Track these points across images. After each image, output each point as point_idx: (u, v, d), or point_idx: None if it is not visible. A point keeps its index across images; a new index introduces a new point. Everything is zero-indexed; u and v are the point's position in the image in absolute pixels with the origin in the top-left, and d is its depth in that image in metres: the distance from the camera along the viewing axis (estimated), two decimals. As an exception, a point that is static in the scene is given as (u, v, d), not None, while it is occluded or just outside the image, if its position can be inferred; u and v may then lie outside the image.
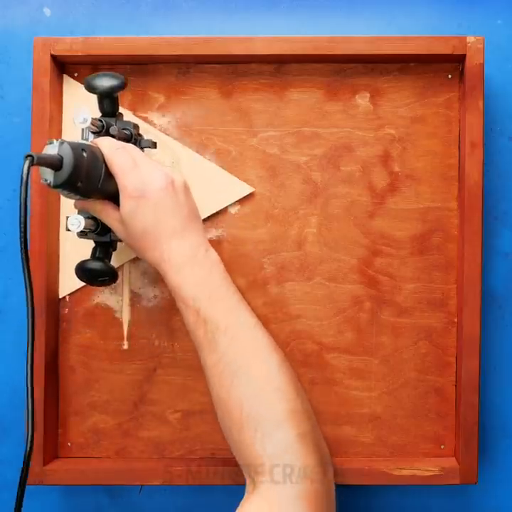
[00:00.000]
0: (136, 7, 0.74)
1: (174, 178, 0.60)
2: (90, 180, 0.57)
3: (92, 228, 0.63)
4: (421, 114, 0.71)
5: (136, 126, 0.66)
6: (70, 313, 0.72)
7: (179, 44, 0.69)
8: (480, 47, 0.68)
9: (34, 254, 0.68)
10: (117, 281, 0.72)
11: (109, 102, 0.64)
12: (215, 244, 0.72)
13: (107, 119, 0.64)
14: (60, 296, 0.71)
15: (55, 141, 0.55)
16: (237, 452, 0.58)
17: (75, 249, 0.70)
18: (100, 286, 0.66)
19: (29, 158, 0.52)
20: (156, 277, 0.72)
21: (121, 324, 0.72)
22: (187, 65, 0.71)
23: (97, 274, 0.63)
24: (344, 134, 0.71)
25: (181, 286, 0.59)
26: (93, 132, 0.62)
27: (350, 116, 0.71)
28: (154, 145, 0.67)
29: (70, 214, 0.62)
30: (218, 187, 0.71)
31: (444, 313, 0.71)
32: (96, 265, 0.63)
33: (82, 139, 0.63)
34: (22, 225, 0.55)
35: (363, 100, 0.71)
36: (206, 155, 0.72)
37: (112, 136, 0.63)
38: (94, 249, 0.65)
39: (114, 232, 0.63)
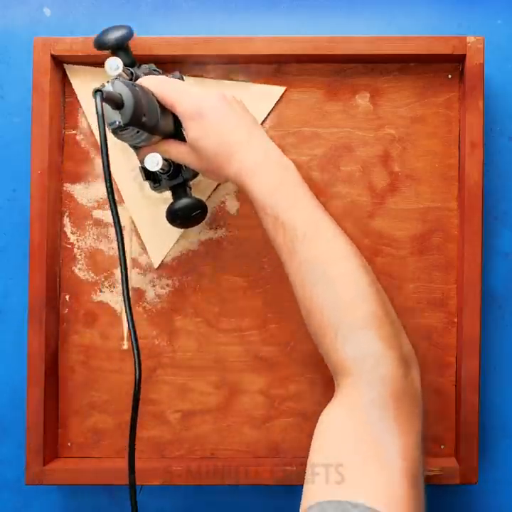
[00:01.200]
0: (136, 7, 0.74)
1: (224, 93, 0.61)
2: (152, 113, 0.58)
3: (165, 169, 0.63)
4: (421, 114, 0.71)
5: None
6: (70, 313, 0.72)
7: (179, 44, 0.69)
8: (480, 47, 0.68)
9: (34, 254, 0.69)
10: (117, 282, 0.72)
11: (123, 54, 0.63)
12: (215, 244, 0.72)
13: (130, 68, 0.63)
14: (155, 267, 0.72)
15: (105, 83, 0.55)
16: (323, 354, 0.57)
17: (150, 217, 0.71)
18: (194, 225, 0.66)
19: (99, 92, 0.53)
20: (156, 277, 0.72)
21: (121, 324, 0.72)
22: (187, 65, 0.71)
23: (188, 210, 0.63)
24: (344, 134, 0.71)
25: (259, 193, 0.58)
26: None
27: (350, 116, 0.71)
28: (182, 78, 0.66)
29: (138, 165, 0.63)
30: (255, 99, 0.70)
31: (444, 313, 0.71)
32: (183, 202, 0.63)
33: None
34: (105, 162, 0.55)
35: (363, 100, 0.71)
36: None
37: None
38: (173, 194, 0.65)
39: (185, 169, 0.63)
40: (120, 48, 0.63)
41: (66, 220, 0.72)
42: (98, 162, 0.72)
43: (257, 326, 0.72)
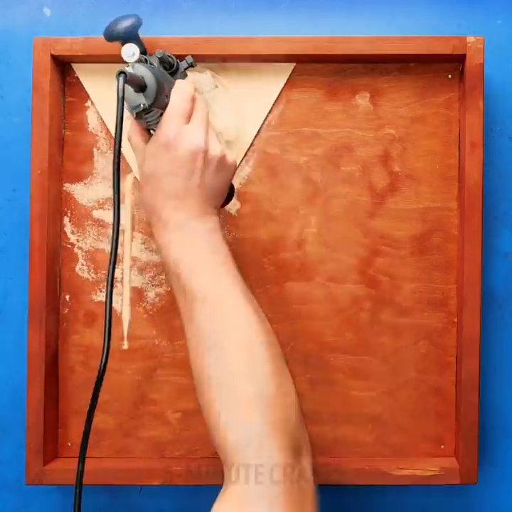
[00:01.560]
0: (136, 7, 0.74)
1: (211, 152, 0.58)
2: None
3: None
4: (421, 114, 0.71)
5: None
6: (70, 313, 0.72)
7: (179, 44, 0.69)
8: (480, 47, 0.68)
9: (34, 254, 0.69)
10: (117, 282, 0.72)
11: (135, 43, 0.61)
12: (215, 244, 0.72)
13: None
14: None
15: (125, 67, 0.55)
16: (209, 434, 0.53)
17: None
18: (223, 206, 0.65)
19: (122, 74, 0.53)
20: (157, 277, 0.72)
21: (121, 324, 0.72)
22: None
23: None
24: (344, 134, 0.71)
25: (166, 246, 0.57)
26: None
27: (350, 116, 0.71)
28: (193, 64, 0.65)
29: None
30: (264, 79, 0.70)
31: (444, 313, 0.71)
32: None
33: None
34: (117, 145, 0.54)
35: (363, 100, 0.71)
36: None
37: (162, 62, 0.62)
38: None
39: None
40: (131, 37, 0.62)
41: (66, 220, 0.72)
42: (98, 162, 0.72)
43: (257, 326, 0.72)
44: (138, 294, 0.72)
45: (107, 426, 0.72)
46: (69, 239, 0.72)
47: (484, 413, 0.72)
